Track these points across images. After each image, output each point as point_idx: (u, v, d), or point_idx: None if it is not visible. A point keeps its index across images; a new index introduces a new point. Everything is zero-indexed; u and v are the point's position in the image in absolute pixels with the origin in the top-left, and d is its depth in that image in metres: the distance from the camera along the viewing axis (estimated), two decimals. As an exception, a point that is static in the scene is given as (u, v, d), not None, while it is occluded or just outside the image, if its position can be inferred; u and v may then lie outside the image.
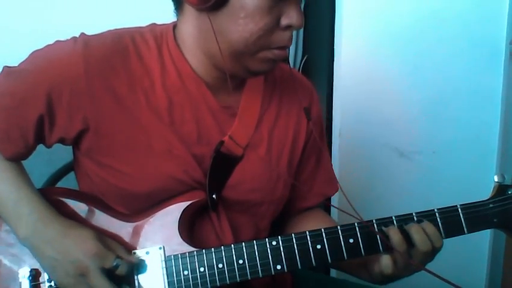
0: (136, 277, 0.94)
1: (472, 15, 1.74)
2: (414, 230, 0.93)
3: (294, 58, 1.87)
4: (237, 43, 0.91)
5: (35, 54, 0.98)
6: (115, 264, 0.90)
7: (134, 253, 0.96)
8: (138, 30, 1.01)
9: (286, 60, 1.78)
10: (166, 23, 1.04)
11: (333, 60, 1.81)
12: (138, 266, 0.95)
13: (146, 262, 0.95)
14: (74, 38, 0.98)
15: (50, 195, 1.00)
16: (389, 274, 0.95)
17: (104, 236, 0.94)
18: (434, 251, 0.94)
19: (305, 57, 1.85)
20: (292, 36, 0.94)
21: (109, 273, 0.91)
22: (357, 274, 1.07)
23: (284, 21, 0.91)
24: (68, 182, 1.28)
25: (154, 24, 1.05)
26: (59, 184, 1.32)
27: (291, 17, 0.90)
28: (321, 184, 1.17)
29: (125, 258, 0.92)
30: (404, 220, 0.95)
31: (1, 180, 0.97)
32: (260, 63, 0.95)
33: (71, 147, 1.04)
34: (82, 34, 0.99)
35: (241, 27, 0.89)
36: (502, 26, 1.75)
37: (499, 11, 1.74)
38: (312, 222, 1.12)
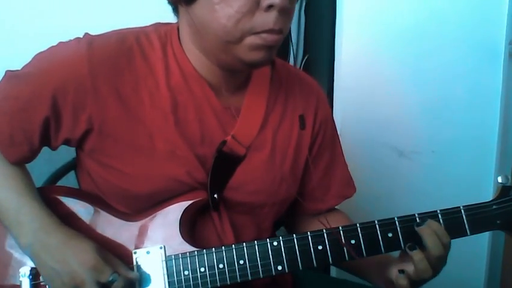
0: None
1: (472, 16, 1.74)
2: (428, 233, 0.92)
3: (295, 58, 1.87)
4: (218, 31, 0.89)
5: (38, 56, 0.98)
6: (110, 279, 0.90)
7: (135, 252, 0.96)
8: (143, 30, 1.01)
9: (286, 60, 1.79)
10: (170, 22, 1.03)
11: (333, 60, 1.81)
12: (139, 283, 0.94)
13: (146, 266, 0.95)
14: (77, 38, 0.98)
15: (51, 194, 1.00)
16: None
17: (105, 250, 0.93)
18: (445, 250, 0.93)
19: (306, 57, 1.85)
20: (280, 18, 0.88)
21: None
22: (370, 280, 1.08)
23: (264, 2, 0.86)
24: (68, 181, 1.28)
25: (159, 23, 1.05)
26: (59, 183, 1.32)
27: None
28: (338, 185, 1.16)
29: (123, 274, 0.91)
30: (407, 221, 0.94)
31: (3, 187, 0.97)
32: (250, 51, 0.91)
33: (70, 147, 1.04)
34: (86, 34, 0.99)
35: (218, 14, 0.87)
36: (502, 27, 1.75)
37: (498, 11, 1.74)
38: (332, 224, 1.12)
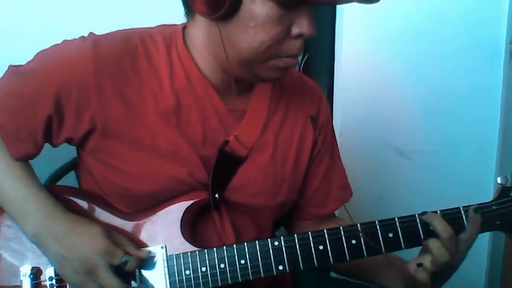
0: (139, 273, 0.95)
1: (472, 15, 1.74)
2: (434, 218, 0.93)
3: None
4: (246, 52, 0.90)
5: (42, 54, 0.98)
6: (123, 260, 0.90)
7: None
8: (147, 31, 1.01)
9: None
10: (175, 23, 1.03)
11: (333, 60, 1.82)
12: (146, 261, 0.95)
13: (148, 266, 0.95)
14: (82, 37, 0.98)
15: (52, 193, 0.99)
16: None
17: (113, 232, 0.94)
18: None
19: (306, 57, 1.85)
20: (303, 44, 0.92)
21: (118, 270, 0.91)
22: (380, 280, 1.08)
23: (295, 30, 0.89)
24: (68, 181, 1.28)
25: (164, 25, 1.05)
26: (59, 183, 1.32)
27: (302, 26, 0.89)
28: (337, 190, 1.16)
29: (133, 253, 0.92)
30: (408, 222, 0.94)
31: (8, 178, 0.97)
32: (270, 71, 0.94)
33: (72, 146, 1.03)
34: (91, 33, 0.98)
35: (251, 37, 0.88)
36: (502, 26, 1.75)
37: (499, 11, 1.74)
38: None
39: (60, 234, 0.92)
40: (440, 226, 0.93)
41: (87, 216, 0.99)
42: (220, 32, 0.90)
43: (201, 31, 0.97)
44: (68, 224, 0.93)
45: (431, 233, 0.94)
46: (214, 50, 0.95)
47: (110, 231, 0.94)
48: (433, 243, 0.93)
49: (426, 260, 0.94)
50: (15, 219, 0.95)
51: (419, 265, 0.94)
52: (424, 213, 0.95)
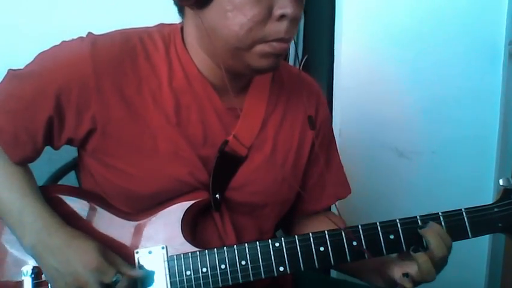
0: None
1: (472, 16, 1.74)
2: (431, 234, 0.92)
3: (295, 58, 1.87)
4: (230, 38, 0.88)
5: (41, 55, 0.98)
6: (114, 279, 0.90)
7: (137, 252, 0.96)
8: (146, 31, 1.01)
9: (286, 60, 1.79)
10: (174, 23, 1.03)
11: (333, 60, 1.81)
12: (142, 281, 0.94)
13: (149, 266, 0.95)
14: (81, 37, 0.98)
15: (53, 193, 1.00)
16: None
17: (108, 250, 0.93)
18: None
19: (305, 57, 1.85)
20: (290, 27, 0.89)
21: None
22: (368, 279, 1.08)
23: (277, 11, 0.87)
24: (68, 181, 1.28)
25: (162, 24, 1.04)
26: (59, 183, 1.32)
27: (283, 6, 0.86)
28: (333, 186, 1.16)
29: (126, 273, 0.92)
30: (409, 223, 0.94)
31: (6, 188, 0.97)
32: (259, 59, 0.91)
33: (72, 146, 1.03)
34: (89, 34, 0.98)
35: (230, 21, 0.87)
36: (501, 27, 1.75)
37: (498, 11, 1.74)
38: (325, 224, 1.11)
39: (56, 247, 0.92)
40: (435, 244, 0.92)
41: (83, 218, 0.99)
42: (202, 21, 0.89)
43: (191, 26, 0.96)
44: (64, 238, 0.93)
45: None
46: (204, 43, 0.95)
47: (105, 248, 0.93)
48: (422, 259, 0.92)
49: (413, 271, 0.94)
50: (13, 230, 0.95)
51: (405, 275, 0.95)
52: (425, 222, 0.94)
